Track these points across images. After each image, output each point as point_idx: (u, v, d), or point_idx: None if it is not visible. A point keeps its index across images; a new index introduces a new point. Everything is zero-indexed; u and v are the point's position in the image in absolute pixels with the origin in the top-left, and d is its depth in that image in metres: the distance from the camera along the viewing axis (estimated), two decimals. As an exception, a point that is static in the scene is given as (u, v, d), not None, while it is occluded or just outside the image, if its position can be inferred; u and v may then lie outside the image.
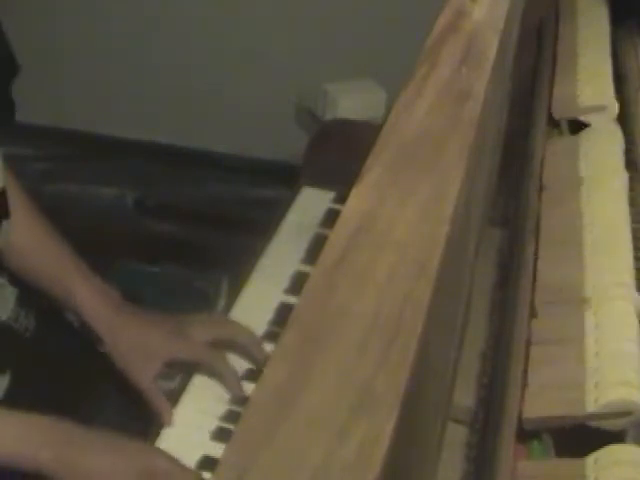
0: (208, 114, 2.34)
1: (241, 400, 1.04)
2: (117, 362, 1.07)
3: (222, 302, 1.27)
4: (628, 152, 0.94)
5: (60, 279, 1.11)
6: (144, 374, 1.05)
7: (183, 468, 0.94)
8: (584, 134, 0.97)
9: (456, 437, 0.77)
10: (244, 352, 1.08)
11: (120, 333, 1.07)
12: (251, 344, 1.08)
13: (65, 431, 0.95)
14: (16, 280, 1.15)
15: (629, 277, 0.74)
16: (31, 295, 1.15)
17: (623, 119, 1.00)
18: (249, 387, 1.06)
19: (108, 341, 1.07)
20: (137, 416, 1.07)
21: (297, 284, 1.18)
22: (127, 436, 0.99)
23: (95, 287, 1.10)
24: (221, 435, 1.01)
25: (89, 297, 1.09)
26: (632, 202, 0.85)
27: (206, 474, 0.97)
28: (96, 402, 1.13)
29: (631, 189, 0.88)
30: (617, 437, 0.63)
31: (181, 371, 1.08)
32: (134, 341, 1.06)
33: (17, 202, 1.14)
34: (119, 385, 1.09)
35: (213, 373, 1.06)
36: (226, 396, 1.05)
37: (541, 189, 0.91)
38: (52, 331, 1.17)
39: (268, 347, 1.10)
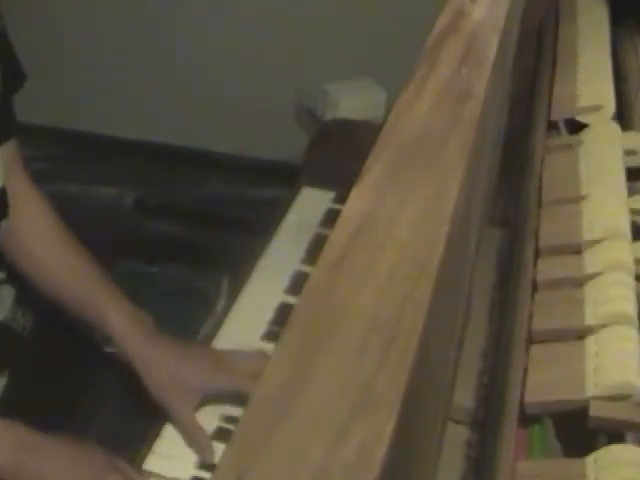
0: (208, 114, 2.34)
1: (241, 400, 1.05)
2: (152, 394, 1.02)
3: (222, 302, 1.27)
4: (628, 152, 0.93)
5: (92, 305, 1.07)
6: (183, 408, 1.01)
7: None
8: (584, 134, 0.97)
9: (456, 437, 0.77)
10: None
11: (157, 365, 1.02)
12: None
13: (20, 436, 0.94)
14: (14, 279, 1.15)
15: (629, 277, 0.74)
16: (29, 294, 1.15)
17: (623, 119, 1.00)
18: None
19: (143, 372, 1.03)
20: (137, 415, 1.07)
21: (297, 284, 1.18)
22: (123, 437, 0.99)
23: (129, 315, 1.06)
24: (221, 435, 1.01)
25: (124, 327, 1.04)
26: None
27: (206, 474, 0.97)
28: (95, 401, 1.13)
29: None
30: (617, 437, 0.63)
31: None
32: (172, 375, 1.01)
33: (41, 216, 1.12)
34: (118, 384, 1.09)
35: None
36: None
37: (541, 189, 0.91)
38: (50, 330, 1.17)
39: (268, 347, 1.10)
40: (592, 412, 0.63)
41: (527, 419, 0.66)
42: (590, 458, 0.61)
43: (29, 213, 1.11)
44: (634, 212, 0.84)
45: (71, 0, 2.36)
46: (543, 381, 0.68)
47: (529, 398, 0.66)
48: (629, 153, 0.89)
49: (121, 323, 1.04)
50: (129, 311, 1.06)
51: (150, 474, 0.97)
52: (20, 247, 1.10)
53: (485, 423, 0.77)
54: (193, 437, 1.00)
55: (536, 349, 0.71)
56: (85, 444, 0.97)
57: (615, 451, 0.60)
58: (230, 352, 1.06)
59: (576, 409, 0.65)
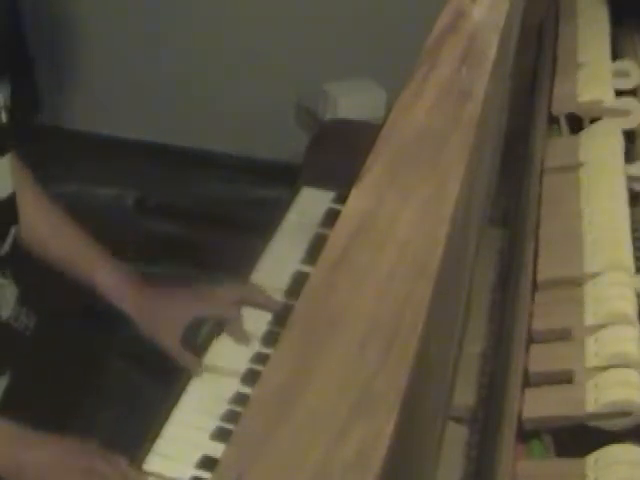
0: (208, 114, 2.34)
1: (241, 399, 1.05)
2: (144, 331, 1.12)
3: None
4: (628, 152, 0.93)
5: (82, 265, 1.16)
6: (171, 339, 1.11)
7: (122, 473, 0.95)
8: (584, 134, 0.97)
9: (456, 437, 0.77)
10: (262, 308, 1.15)
11: (144, 306, 1.13)
12: (267, 302, 1.15)
13: (6, 430, 0.97)
14: (18, 280, 1.15)
15: (629, 277, 0.74)
16: (32, 295, 1.15)
17: (623, 119, 1.00)
18: (249, 388, 1.06)
19: (134, 315, 1.13)
20: (137, 415, 1.07)
21: (297, 284, 1.18)
22: (124, 437, 1.00)
23: (116, 269, 1.16)
24: (221, 435, 1.01)
25: (112, 279, 1.15)
26: (632, 202, 0.85)
27: (206, 474, 0.97)
28: (96, 402, 1.13)
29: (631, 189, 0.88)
30: (617, 437, 0.63)
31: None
32: (158, 310, 1.13)
33: (31, 193, 1.17)
34: (119, 385, 1.09)
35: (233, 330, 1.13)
36: (226, 396, 1.05)
37: (541, 189, 0.91)
38: (52, 331, 1.18)
39: (268, 347, 1.11)
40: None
41: (525, 434, 0.66)
42: (590, 458, 0.61)
43: (17, 183, 1.16)
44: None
45: (71, 1, 2.36)
46: (542, 395, 0.67)
47: (528, 414, 0.66)
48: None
49: (110, 279, 1.15)
50: (116, 267, 1.17)
51: (149, 474, 0.97)
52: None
53: (485, 423, 0.77)
54: (181, 362, 1.10)
55: (536, 351, 0.71)
56: (75, 439, 0.99)
57: (615, 451, 0.60)
58: (209, 286, 1.17)
59: (576, 425, 0.64)
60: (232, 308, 1.14)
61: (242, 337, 1.12)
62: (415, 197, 0.54)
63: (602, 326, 0.70)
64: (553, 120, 1.02)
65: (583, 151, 0.93)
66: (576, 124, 1.00)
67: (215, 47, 2.29)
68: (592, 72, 1.06)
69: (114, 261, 1.17)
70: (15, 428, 0.97)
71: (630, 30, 1.17)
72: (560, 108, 1.02)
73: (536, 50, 1.20)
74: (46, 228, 1.19)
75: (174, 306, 1.14)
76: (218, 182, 2.28)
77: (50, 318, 1.17)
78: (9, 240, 1.11)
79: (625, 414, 0.63)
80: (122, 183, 2.21)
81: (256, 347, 1.11)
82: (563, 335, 0.72)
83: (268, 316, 1.15)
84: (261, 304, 1.15)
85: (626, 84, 1.02)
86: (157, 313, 1.13)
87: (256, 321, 1.14)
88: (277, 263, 1.24)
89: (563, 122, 1.00)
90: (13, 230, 1.12)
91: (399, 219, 0.52)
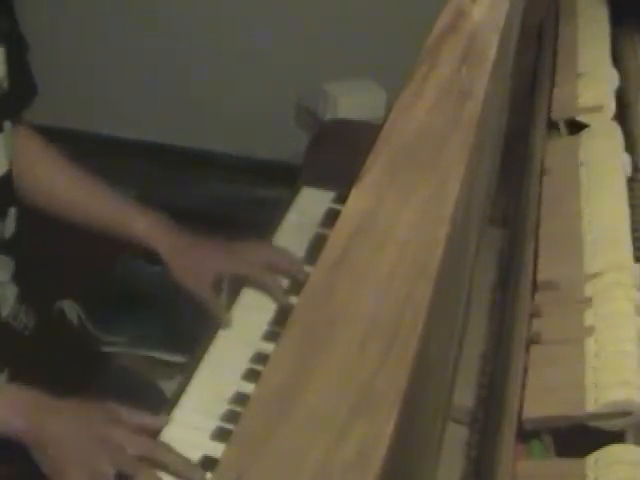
0: (208, 114, 2.34)
1: (241, 399, 1.05)
2: (176, 278, 1.17)
3: (222, 302, 1.27)
4: (628, 152, 0.94)
5: (117, 219, 1.21)
6: (201, 285, 1.15)
7: (141, 438, 0.96)
8: (584, 134, 0.97)
9: (456, 437, 0.77)
10: (286, 274, 1.18)
11: (180, 253, 1.17)
12: (292, 268, 1.18)
13: (33, 399, 0.98)
14: (18, 278, 1.15)
15: (629, 277, 0.74)
16: (31, 294, 1.15)
17: (623, 119, 1.00)
18: (250, 387, 1.06)
19: (169, 261, 1.17)
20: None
21: (297, 284, 1.18)
22: None
23: (150, 217, 1.20)
24: (221, 435, 1.01)
25: (147, 227, 1.19)
26: (632, 202, 0.85)
27: (206, 474, 0.97)
28: (96, 401, 1.13)
29: (630, 189, 0.88)
30: (617, 437, 0.63)
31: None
32: (191, 256, 1.17)
33: (46, 154, 1.22)
34: (118, 385, 1.09)
35: (261, 286, 1.16)
36: (226, 396, 1.05)
37: (541, 189, 0.91)
38: (51, 330, 1.17)
39: (268, 347, 1.11)
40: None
41: (525, 434, 0.66)
42: (590, 458, 0.61)
43: (35, 154, 1.22)
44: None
45: (70, 0, 2.36)
46: (542, 395, 0.67)
47: (528, 414, 0.66)
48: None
49: (144, 225, 1.19)
50: (149, 214, 1.21)
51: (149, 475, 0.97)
52: (38, 185, 1.21)
53: (485, 423, 0.77)
54: (209, 308, 1.14)
55: (536, 351, 0.71)
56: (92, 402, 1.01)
57: (615, 451, 0.60)
58: (242, 243, 1.21)
59: (576, 425, 0.64)
60: (254, 268, 1.17)
61: (279, 293, 1.15)
62: (415, 197, 0.54)
63: (602, 326, 0.70)
64: (552, 122, 1.02)
65: (583, 151, 0.93)
66: (576, 124, 1.00)
67: (215, 47, 2.29)
68: (592, 73, 1.06)
69: (144, 207, 1.21)
70: (31, 394, 0.98)
71: (630, 30, 1.17)
72: (559, 111, 1.02)
73: (536, 50, 1.20)
74: (68, 183, 1.22)
75: (208, 255, 1.17)
76: (218, 182, 2.28)
77: (49, 317, 1.17)
78: (8, 224, 1.11)
79: (625, 414, 0.63)
80: (122, 183, 2.21)
81: (256, 347, 1.11)
82: (563, 335, 0.72)
83: (268, 316, 1.15)
84: (286, 269, 1.17)
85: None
86: (190, 259, 1.16)
87: (256, 321, 1.14)
88: (277, 263, 1.23)
89: (563, 127, 1.00)
90: (12, 212, 1.12)
91: (399, 219, 0.52)
